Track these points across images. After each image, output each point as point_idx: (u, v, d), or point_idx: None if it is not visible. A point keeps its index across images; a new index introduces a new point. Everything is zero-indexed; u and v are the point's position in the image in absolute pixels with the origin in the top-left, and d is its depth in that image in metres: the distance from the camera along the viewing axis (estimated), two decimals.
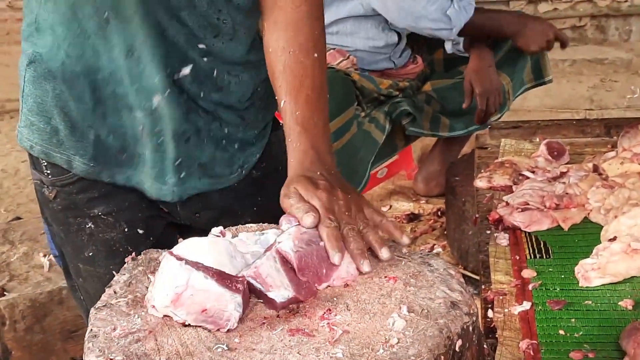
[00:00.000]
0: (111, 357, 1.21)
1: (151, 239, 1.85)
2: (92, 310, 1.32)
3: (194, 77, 1.70)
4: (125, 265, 1.44)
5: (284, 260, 1.35)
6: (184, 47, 1.67)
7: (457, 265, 3.28)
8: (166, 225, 1.90)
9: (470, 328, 1.29)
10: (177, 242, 1.47)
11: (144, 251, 1.47)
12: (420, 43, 3.74)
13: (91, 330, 1.28)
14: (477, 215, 2.26)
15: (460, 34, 3.45)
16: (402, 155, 4.01)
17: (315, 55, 1.66)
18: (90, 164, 1.74)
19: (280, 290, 1.32)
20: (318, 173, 1.51)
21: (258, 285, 1.32)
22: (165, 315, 1.29)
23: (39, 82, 1.72)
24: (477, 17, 3.42)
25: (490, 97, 3.50)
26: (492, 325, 1.77)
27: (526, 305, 1.81)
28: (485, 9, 3.62)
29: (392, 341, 1.22)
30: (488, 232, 2.15)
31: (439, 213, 3.78)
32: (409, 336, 1.23)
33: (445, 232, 3.60)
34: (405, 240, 1.46)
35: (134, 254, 1.46)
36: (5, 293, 2.84)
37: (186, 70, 1.68)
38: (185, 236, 1.68)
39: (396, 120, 3.43)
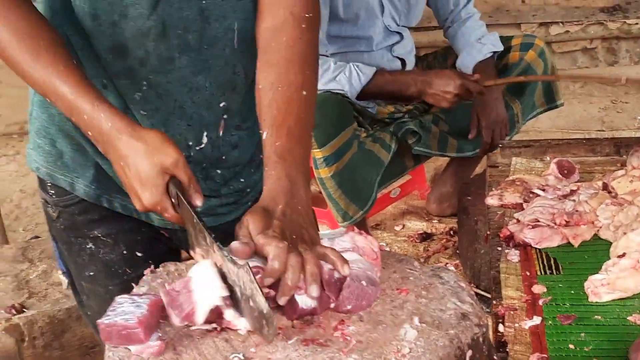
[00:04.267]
0: None
1: (150, 262, 1.85)
2: None
3: (212, 145, 1.76)
4: (144, 278, 1.48)
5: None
6: (204, 114, 1.72)
7: (469, 284, 3.30)
8: (167, 251, 1.91)
9: (481, 339, 1.33)
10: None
11: (162, 264, 1.51)
12: (430, 65, 3.76)
13: None
14: (488, 232, 2.30)
15: (362, 97, 3.40)
16: (415, 175, 4.04)
17: (304, 92, 1.62)
18: (92, 186, 1.79)
19: (305, 297, 1.35)
20: (279, 207, 1.46)
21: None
22: (186, 325, 1.33)
23: (45, 106, 1.78)
24: (378, 80, 3.35)
25: (495, 129, 3.51)
26: (503, 340, 1.80)
27: (536, 320, 1.84)
28: (388, 71, 3.43)
29: (404, 351, 1.26)
30: (499, 249, 2.18)
31: (452, 232, 3.80)
32: (420, 346, 1.27)
33: (457, 251, 3.63)
34: (346, 270, 1.38)
35: (152, 267, 1.50)
36: (24, 310, 2.88)
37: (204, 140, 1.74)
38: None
39: (402, 140, 3.44)
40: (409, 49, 3.63)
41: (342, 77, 3.27)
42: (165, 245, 1.91)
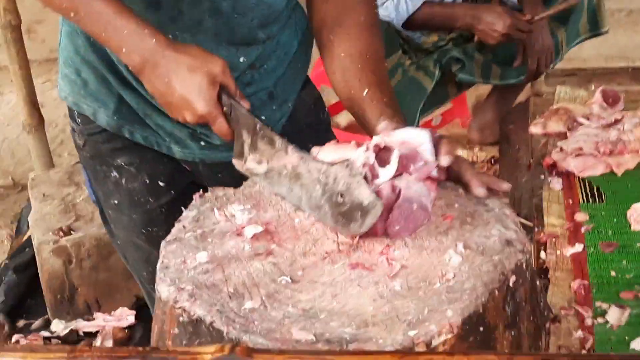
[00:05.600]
0: (181, 287, 1.28)
1: (172, 192, 1.89)
2: (163, 244, 1.40)
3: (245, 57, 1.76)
4: (193, 202, 1.51)
5: None
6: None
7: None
8: (191, 182, 1.92)
9: (524, 265, 1.34)
10: None
11: (211, 189, 1.54)
12: None
13: (162, 262, 1.35)
14: (531, 161, 2.30)
15: (407, 26, 3.36)
16: (457, 104, 4.02)
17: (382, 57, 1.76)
18: (114, 117, 1.81)
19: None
20: None
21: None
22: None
23: (72, 36, 1.79)
24: (425, 11, 3.34)
25: (541, 56, 3.48)
26: (544, 266, 1.82)
27: (578, 247, 1.85)
28: (437, 2, 3.36)
29: (449, 275, 1.28)
30: (542, 177, 2.18)
31: (493, 161, 3.79)
32: (464, 271, 1.29)
33: None
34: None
35: (201, 191, 1.52)
36: (72, 232, 2.94)
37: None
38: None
39: (446, 68, 3.43)
40: None
41: (389, 4, 3.25)
42: (188, 178, 1.92)
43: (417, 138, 1.44)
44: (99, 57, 1.75)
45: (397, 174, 1.39)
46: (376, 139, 1.41)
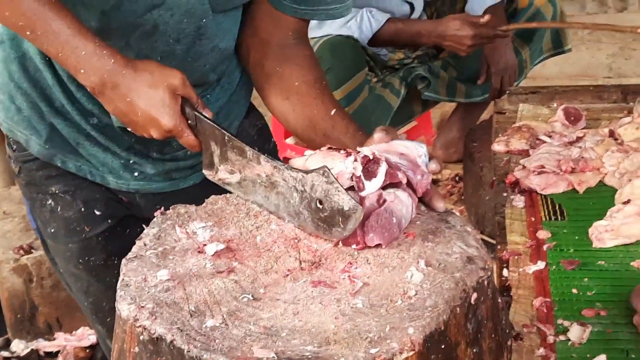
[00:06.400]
0: (142, 305, 1.27)
1: (109, 221, 1.87)
2: (124, 261, 1.38)
3: None
4: (154, 220, 1.50)
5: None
6: None
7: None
8: (129, 214, 1.92)
9: (486, 282, 1.35)
10: (142, 231, 1.48)
11: (173, 206, 1.53)
12: (440, 10, 3.75)
13: (123, 279, 1.34)
14: (494, 178, 2.31)
15: (372, 44, 3.40)
16: (421, 121, 4.05)
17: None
18: (46, 146, 1.80)
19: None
20: None
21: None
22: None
23: (6, 62, 1.78)
24: (389, 29, 3.35)
25: (504, 75, 3.51)
26: (507, 284, 1.82)
27: (540, 264, 1.86)
28: (400, 20, 3.42)
29: (410, 293, 1.28)
30: (504, 194, 2.19)
31: (457, 178, 3.82)
32: (426, 288, 1.29)
33: (462, 197, 3.65)
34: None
35: (161, 209, 1.51)
36: (32, 250, 2.91)
37: None
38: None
39: (411, 85, 3.45)
40: None
41: (352, 24, 3.28)
42: (126, 208, 1.91)
43: (415, 150, 1.46)
44: (32, 84, 1.74)
45: (386, 185, 1.40)
46: (366, 150, 1.42)
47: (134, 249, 1.42)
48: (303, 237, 1.43)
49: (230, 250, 1.40)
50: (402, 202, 1.42)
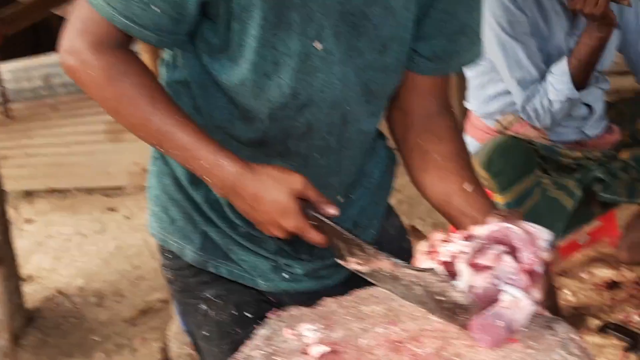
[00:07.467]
0: None
1: (259, 321, 1.85)
2: None
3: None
4: (267, 320, 1.56)
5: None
6: None
7: None
8: None
9: None
10: None
11: (287, 308, 1.59)
12: (622, 112, 3.64)
13: None
14: None
15: (581, 86, 3.22)
16: (606, 222, 3.92)
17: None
18: (200, 253, 1.88)
19: None
20: None
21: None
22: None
23: (160, 176, 1.90)
24: (572, 65, 3.12)
25: None
26: None
27: None
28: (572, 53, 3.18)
29: None
30: None
31: None
32: None
33: None
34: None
35: (272, 311, 1.57)
36: None
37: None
38: None
39: (588, 187, 3.36)
40: (598, 95, 3.51)
41: (536, 103, 3.19)
42: (274, 308, 1.92)
43: (540, 232, 1.49)
44: (185, 196, 1.85)
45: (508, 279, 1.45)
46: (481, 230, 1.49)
47: (244, 349, 1.49)
48: (407, 342, 1.45)
49: (334, 352, 1.44)
50: (518, 306, 1.42)
